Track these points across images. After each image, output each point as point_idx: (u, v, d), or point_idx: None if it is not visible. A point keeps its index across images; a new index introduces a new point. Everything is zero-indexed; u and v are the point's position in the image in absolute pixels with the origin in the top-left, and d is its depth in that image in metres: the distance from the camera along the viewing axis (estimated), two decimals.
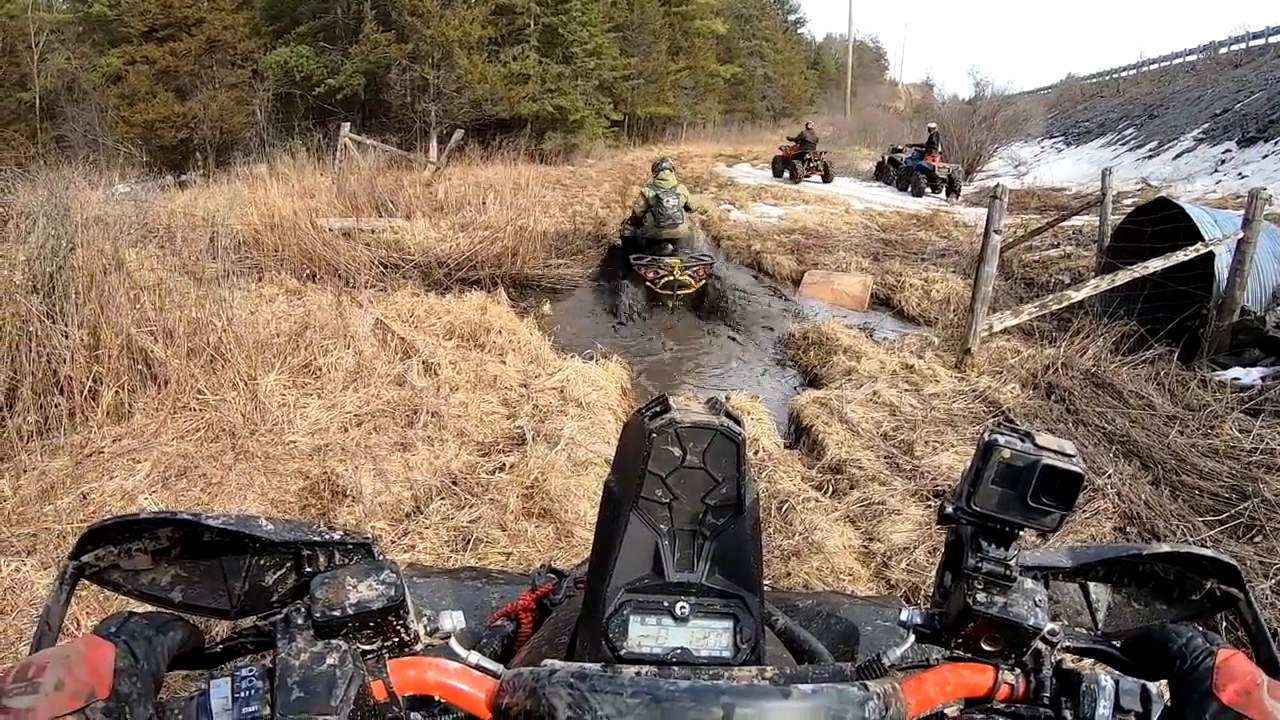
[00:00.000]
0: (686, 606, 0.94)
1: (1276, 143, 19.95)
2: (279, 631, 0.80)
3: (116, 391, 5.51)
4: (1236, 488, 5.26)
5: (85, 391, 5.40)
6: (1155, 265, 7.94)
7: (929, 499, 5.16)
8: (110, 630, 0.78)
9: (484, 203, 13.39)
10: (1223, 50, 34.56)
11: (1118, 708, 0.85)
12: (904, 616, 0.94)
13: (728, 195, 19.79)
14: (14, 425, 5.08)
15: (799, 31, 67.20)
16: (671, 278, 10.53)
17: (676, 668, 0.88)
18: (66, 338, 5.43)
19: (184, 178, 21.42)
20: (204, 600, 0.95)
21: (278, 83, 27.91)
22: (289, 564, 0.96)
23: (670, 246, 10.82)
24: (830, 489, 5.49)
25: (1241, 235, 7.79)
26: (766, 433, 6.30)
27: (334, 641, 0.80)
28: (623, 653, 0.92)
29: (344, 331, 7.16)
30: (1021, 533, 0.87)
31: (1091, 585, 1.07)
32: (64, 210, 6.16)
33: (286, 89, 28.24)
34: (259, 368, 6.22)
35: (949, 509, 0.89)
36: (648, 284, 10.64)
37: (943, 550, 0.96)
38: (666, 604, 0.94)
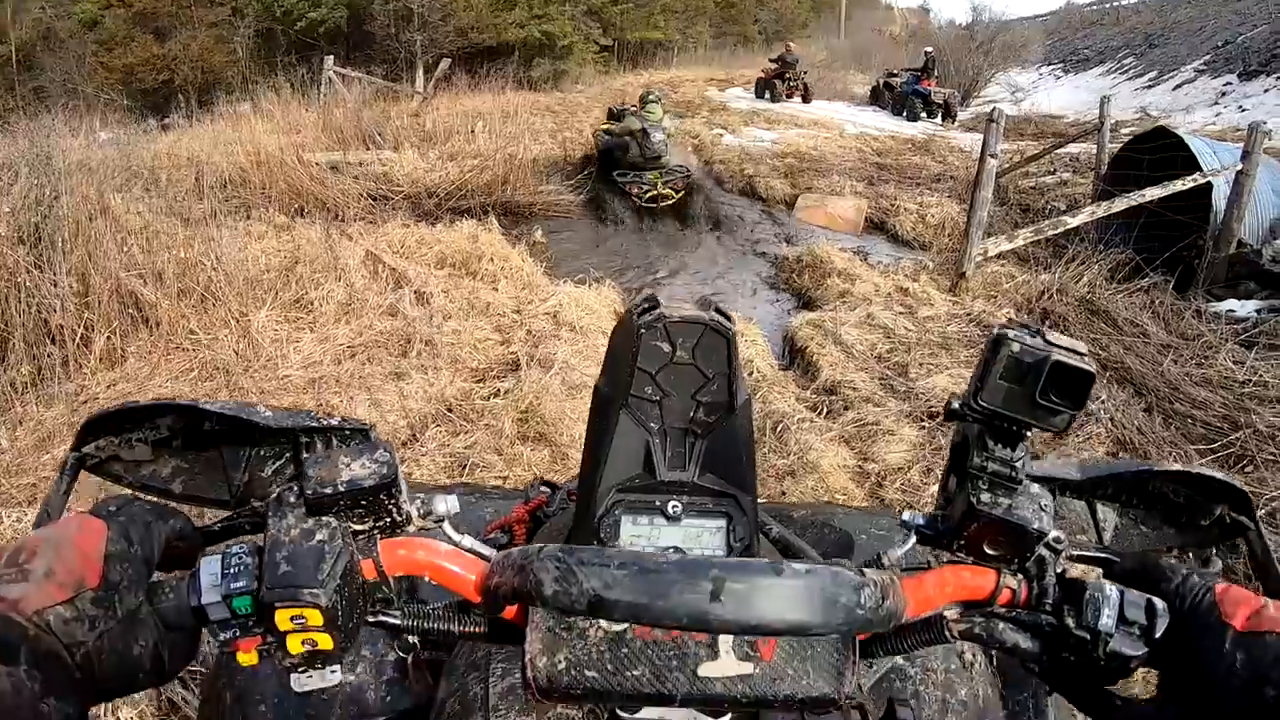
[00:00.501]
0: (679, 506, 0.92)
1: (1277, 77, 19.75)
2: (270, 509, 0.79)
3: (109, 337, 5.50)
4: (1229, 418, 5.31)
5: (77, 339, 5.38)
6: (1152, 194, 7.87)
7: (923, 420, 5.19)
8: (105, 511, 0.76)
9: (472, 132, 13.17)
10: None
11: (1121, 619, 0.80)
12: (905, 517, 0.91)
13: (720, 120, 19.49)
14: (8, 377, 5.06)
15: None
16: (655, 191, 11.52)
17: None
18: (56, 286, 5.40)
19: (167, 120, 21.05)
20: (204, 491, 0.94)
21: (258, 19, 27.38)
22: (288, 454, 0.94)
23: (648, 169, 11.69)
24: (825, 410, 5.49)
25: (1240, 168, 7.74)
26: (761, 354, 6.29)
27: (324, 519, 0.78)
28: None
29: (334, 265, 7.09)
30: (1029, 434, 0.83)
31: (1099, 504, 1.03)
32: (46, 159, 6.09)
33: (267, 25, 27.69)
34: (250, 305, 6.18)
35: (955, 405, 0.84)
36: (634, 198, 11.55)
37: (948, 452, 0.91)
38: (658, 503, 0.92)
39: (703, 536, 0.93)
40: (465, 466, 4.55)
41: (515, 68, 23.29)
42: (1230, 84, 21.15)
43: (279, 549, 0.75)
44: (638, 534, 0.92)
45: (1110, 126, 10.63)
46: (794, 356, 6.63)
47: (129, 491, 0.90)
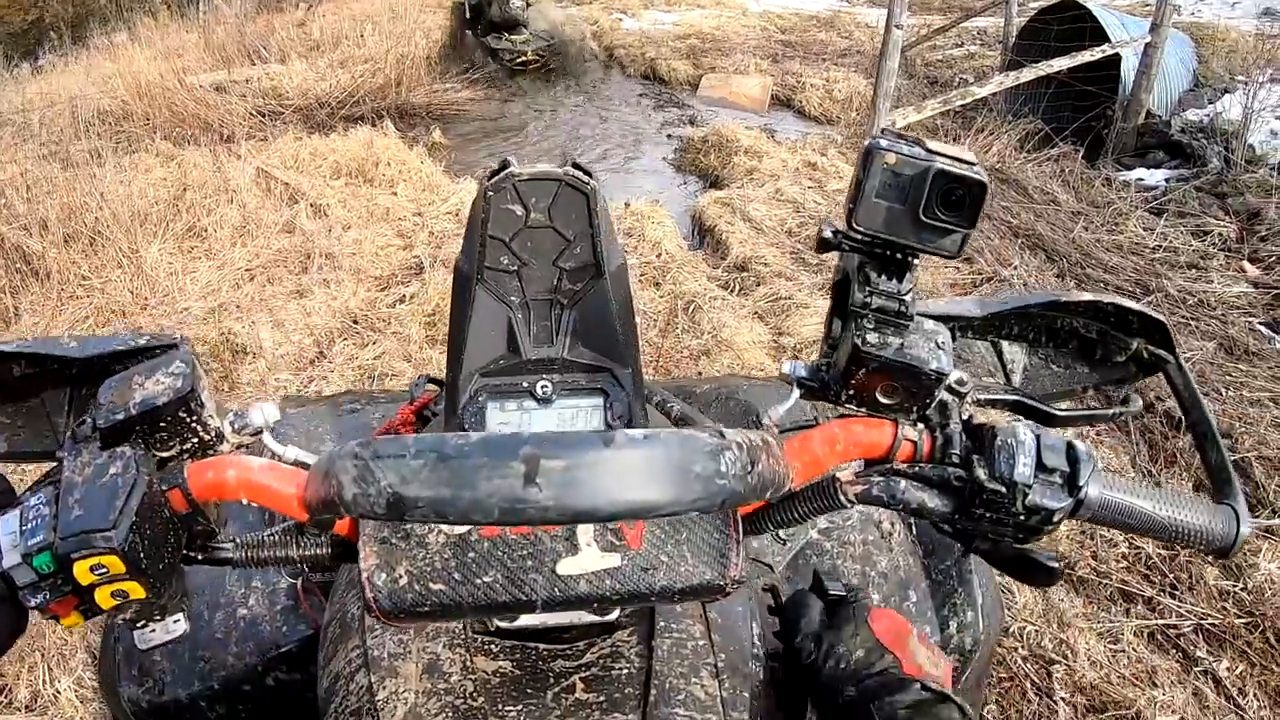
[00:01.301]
0: (549, 385, 0.88)
1: None
2: (66, 448, 0.71)
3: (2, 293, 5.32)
4: (1140, 283, 5.43)
5: None
6: (1060, 64, 7.84)
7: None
8: None
9: (362, 36, 12.58)
10: None
11: (1040, 466, 0.72)
12: (786, 369, 0.85)
13: (619, 4, 18.95)
14: None
15: None
16: (524, 58, 12.04)
17: None
18: None
19: (40, 62, 20.11)
20: (31, 445, 0.87)
21: None
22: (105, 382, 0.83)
23: (513, 31, 12.12)
24: (737, 287, 5.43)
25: (1149, 40, 7.74)
26: (669, 235, 6.17)
27: (119, 449, 0.70)
28: None
29: (225, 188, 6.84)
30: (916, 260, 0.76)
31: (1005, 343, 0.96)
32: None
33: None
34: (141, 241, 5.93)
35: (828, 232, 0.77)
36: (504, 62, 12.03)
37: (829, 293, 0.84)
38: (525, 385, 0.88)
39: (578, 418, 0.89)
40: (374, 378, 4.47)
41: None
42: None
43: (72, 490, 0.66)
44: (505, 420, 0.87)
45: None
46: (703, 236, 6.53)
47: None
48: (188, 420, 0.73)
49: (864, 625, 0.80)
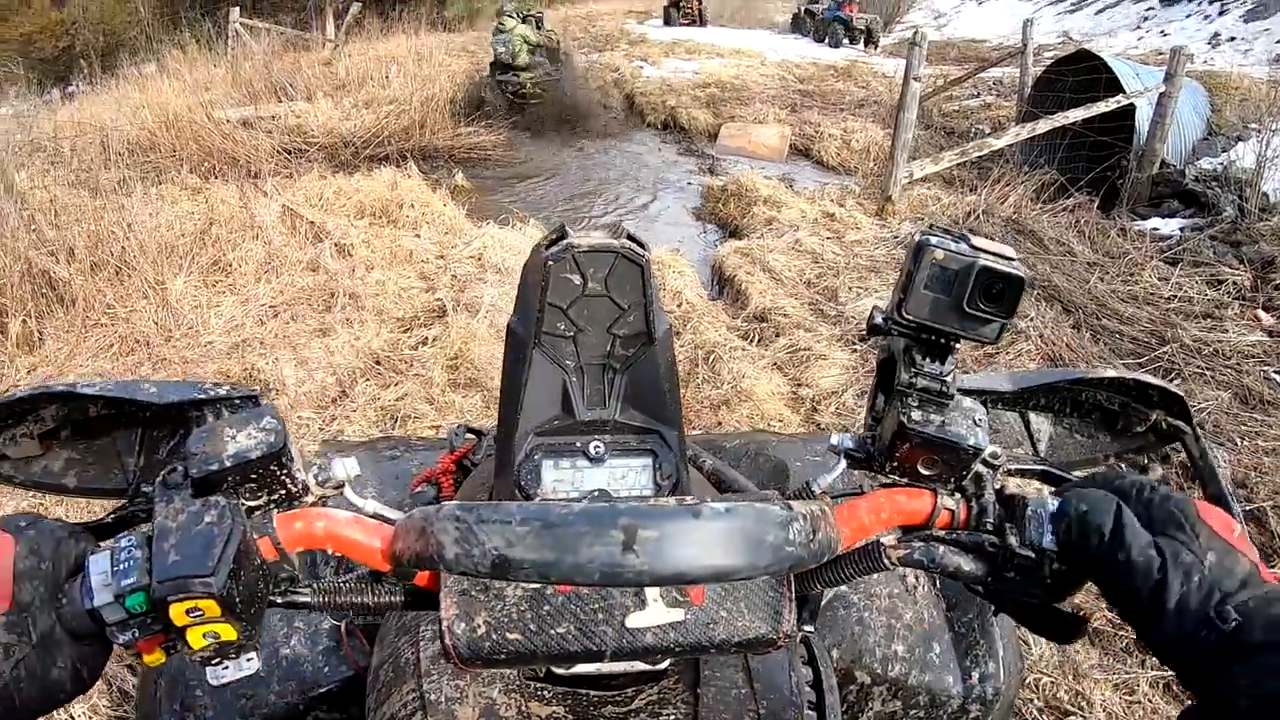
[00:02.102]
0: (601, 446, 0.91)
1: (1200, 3, 19.95)
2: (157, 494, 0.73)
3: (24, 320, 5.30)
4: (1156, 333, 5.41)
5: None
6: (1076, 115, 7.94)
7: (855, 344, 5.21)
8: (12, 526, 0.71)
9: (386, 77, 12.87)
10: None
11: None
12: (834, 441, 0.89)
13: (640, 52, 19.20)
14: None
15: None
16: (523, 89, 12.80)
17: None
18: None
19: (70, 89, 20.31)
20: (99, 482, 0.90)
21: None
22: (181, 431, 0.89)
23: (518, 70, 12.92)
24: (756, 338, 5.47)
25: (1163, 89, 7.80)
26: (690, 285, 6.21)
27: (212, 498, 0.72)
28: (537, 500, 0.87)
29: (251, 223, 6.87)
30: (958, 345, 0.81)
31: (1032, 414, 1.01)
32: None
33: None
34: (167, 272, 5.97)
35: (878, 319, 0.81)
36: (508, 95, 12.83)
37: (874, 371, 0.89)
38: (579, 445, 0.91)
39: (628, 476, 0.92)
40: (397, 419, 4.48)
41: (428, 8, 22.58)
42: (1152, 9, 21.31)
43: (167, 537, 0.68)
44: (560, 479, 0.90)
45: (1033, 50, 10.66)
46: (723, 286, 6.57)
47: (27, 504, 0.88)
48: (277, 473, 0.76)
49: (1199, 522, 0.69)
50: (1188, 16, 19.62)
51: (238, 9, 15.68)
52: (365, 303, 5.81)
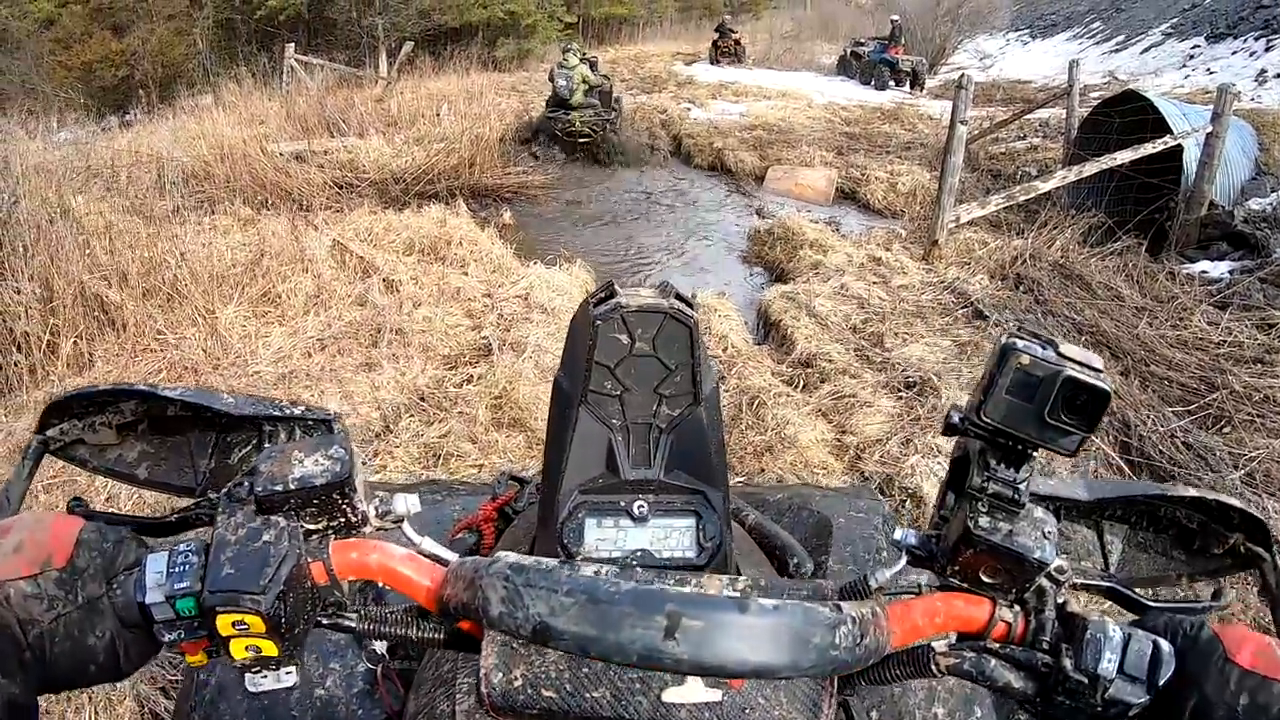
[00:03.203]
0: (645, 505, 0.91)
1: (1246, 39, 19.77)
2: (221, 506, 0.76)
3: (75, 341, 5.40)
4: (1205, 379, 5.32)
5: (43, 345, 5.29)
6: (1123, 157, 7.86)
7: (900, 391, 5.16)
8: (78, 510, 0.78)
9: (438, 115, 13.04)
10: None
11: (1123, 663, 0.74)
12: (898, 536, 0.87)
13: (687, 94, 19.34)
14: None
15: None
16: (574, 128, 13.01)
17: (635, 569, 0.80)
18: (19, 293, 5.29)
19: (128, 117, 20.78)
20: (170, 478, 0.94)
21: (217, 9, 26.74)
22: (254, 441, 0.93)
23: (571, 109, 13.15)
24: (801, 383, 5.44)
25: (1210, 129, 7.73)
26: (735, 329, 6.22)
27: (273, 518, 0.75)
28: (579, 559, 0.89)
29: (301, 256, 6.96)
30: (1035, 454, 0.78)
31: (1106, 524, 0.99)
32: (3, 163, 5.99)
33: (227, 15, 27.01)
34: (217, 301, 6.08)
35: (955, 418, 0.79)
36: (557, 132, 13.09)
37: (947, 466, 0.87)
38: (623, 504, 0.91)
39: (671, 537, 0.91)
40: (440, 457, 4.49)
41: (479, 48, 22.96)
42: (1198, 47, 21.15)
43: (224, 549, 0.72)
44: (603, 537, 0.90)
45: (1079, 91, 10.60)
46: (768, 330, 6.57)
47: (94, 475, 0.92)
48: (339, 502, 0.77)
49: (1223, 658, 0.69)
50: (1234, 53, 19.42)
51: (293, 45, 16.10)
52: (411, 339, 5.84)
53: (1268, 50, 18.29)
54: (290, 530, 0.74)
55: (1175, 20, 23.99)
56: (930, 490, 4.06)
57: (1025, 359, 0.73)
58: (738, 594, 0.69)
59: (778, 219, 9.51)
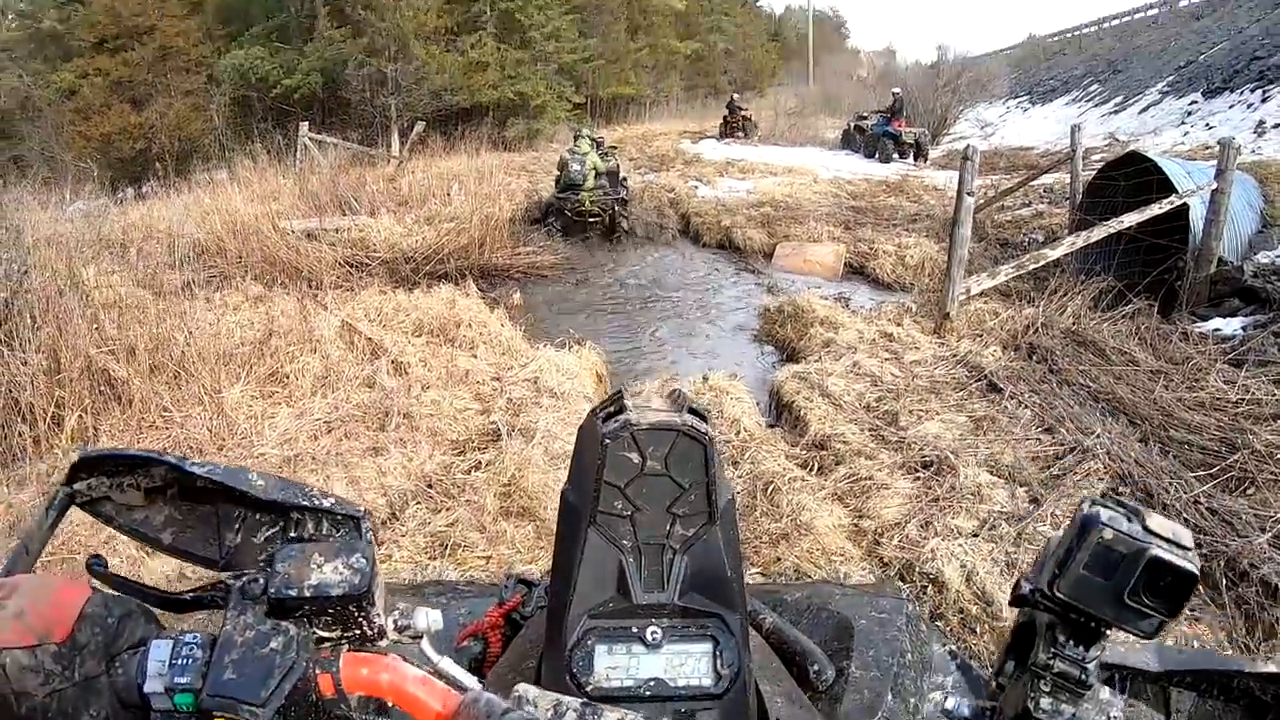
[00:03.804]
0: (659, 631, 0.87)
1: (1242, 92, 19.95)
2: (233, 601, 0.75)
3: (80, 415, 5.38)
4: (1225, 440, 5.23)
5: (48, 418, 5.27)
6: (1130, 219, 7.87)
7: (917, 471, 5.06)
8: (96, 570, 0.78)
9: (448, 194, 13.23)
10: (1182, 3, 34.62)
11: None
12: (949, 705, 0.83)
13: (694, 172, 19.55)
14: None
15: (758, 4, 66.79)
16: (583, 208, 13.09)
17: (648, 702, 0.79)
18: (25, 364, 5.30)
19: (144, 189, 21.18)
20: (194, 547, 0.91)
21: (234, 86, 27.60)
22: (281, 524, 0.89)
23: (580, 189, 13.23)
24: (816, 466, 5.35)
25: (1215, 186, 7.76)
26: (747, 412, 6.14)
27: (284, 624, 0.73)
28: (589, 689, 0.85)
29: (309, 336, 6.96)
30: (1109, 632, 0.76)
31: (1174, 691, 0.93)
32: (16, 233, 6.05)
33: (243, 92, 27.88)
34: (224, 380, 6.04)
35: (1026, 589, 0.76)
36: (566, 213, 13.12)
37: (1009, 632, 0.83)
38: (635, 629, 0.87)
39: (687, 664, 0.87)
40: (447, 547, 4.39)
41: (489, 128, 23.40)
42: (1195, 103, 21.35)
43: (229, 650, 0.70)
44: (614, 665, 0.86)
45: (1081, 154, 10.67)
46: (781, 412, 6.50)
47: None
48: (355, 614, 0.76)
49: None
50: (1231, 107, 19.60)
51: (307, 123, 16.51)
52: (419, 423, 5.77)
53: (1264, 101, 18.47)
54: (300, 639, 0.73)
55: (1171, 78, 24.27)
56: (952, 575, 3.96)
57: (1109, 533, 0.70)
58: None
59: (787, 296, 9.54)
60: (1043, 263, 8.10)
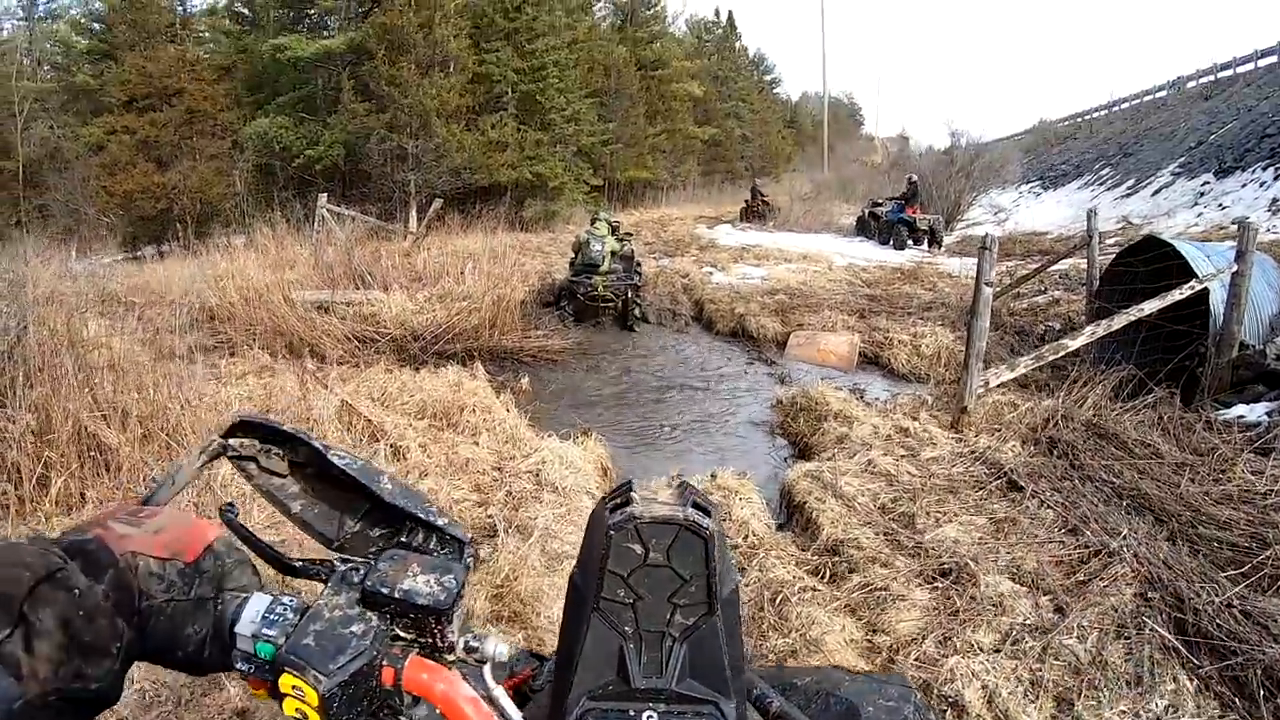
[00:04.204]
0: (655, 715, 0.89)
1: (1254, 171, 20.01)
2: (331, 580, 0.86)
3: (67, 479, 5.25)
4: (1256, 535, 5.01)
5: (34, 478, 5.17)
6: (1151, 306, 7.72)
7: (935, 580, 4.79)
8: (229, 516, 0.89)
9: (462, 273, 13.23)
10: (1190, 84, 35.10)
11: None
12: None
13: (709, 258, 19.60)
14: None
15: (775, 91, 68.07)
16: (596, 292, 13.15)
17: None
18: (14, 423, 5.24)
19: (164, 249, 21.52)
20: (316, 523, 1.03)
21: (257, 153, 28.27)
22: (396, 525, 0.99)
23: (595, 273, 13.30)
24: (827, 574, 5.07)
25: (1235, 269, 7.64)
26: (756, 513, 5.89)
27: (369, 614, 0.82)
28: None
29: (307, 415, 6.79)
30: None
31: None
32: (18, 288, 6.09)
33: (266, 160, 28.56)
34: None
35: None
36: (579, 296, 13.18)
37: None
38: (632, 713, 0.89)
39: None
40: None
41: (507, 208, 23.74)
42: (1208, 183, 21.45)
43: (315, 620, 0.80)
44: None
45: (1097, 239, 10.61)
46: (791, 513, 6.24)
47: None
48: (432, 625, 0.83)
49: None
50: (1243, 186, 19.71)
51: (325, 195, 16.69)
52: None
53: (1277, 179, 18.55)
54: (378, 632, 0.81)
55: (1183, 159, 24.44)
56: (972, 698, 3.71)
57: None
58: None
59: (800, 388, 9.32)
60: (1063, 353, 7.92)
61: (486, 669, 0.87)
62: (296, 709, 0.77)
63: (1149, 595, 4.59)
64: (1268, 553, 4.73)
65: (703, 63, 49.91)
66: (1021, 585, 4.67)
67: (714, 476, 6.53)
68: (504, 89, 30.45)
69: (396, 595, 0.82)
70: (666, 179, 43.09)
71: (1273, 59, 29.01)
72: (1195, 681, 3.87)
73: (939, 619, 4.39)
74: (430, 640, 0.85)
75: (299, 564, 0.96)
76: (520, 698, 1.28)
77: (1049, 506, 5.63)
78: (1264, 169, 19.65)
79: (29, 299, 5.96)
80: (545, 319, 12.92)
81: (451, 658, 0.86)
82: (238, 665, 0.80)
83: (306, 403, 7.02)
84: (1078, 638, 4.15)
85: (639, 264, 14.13)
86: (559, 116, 31.49)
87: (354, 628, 0.80)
